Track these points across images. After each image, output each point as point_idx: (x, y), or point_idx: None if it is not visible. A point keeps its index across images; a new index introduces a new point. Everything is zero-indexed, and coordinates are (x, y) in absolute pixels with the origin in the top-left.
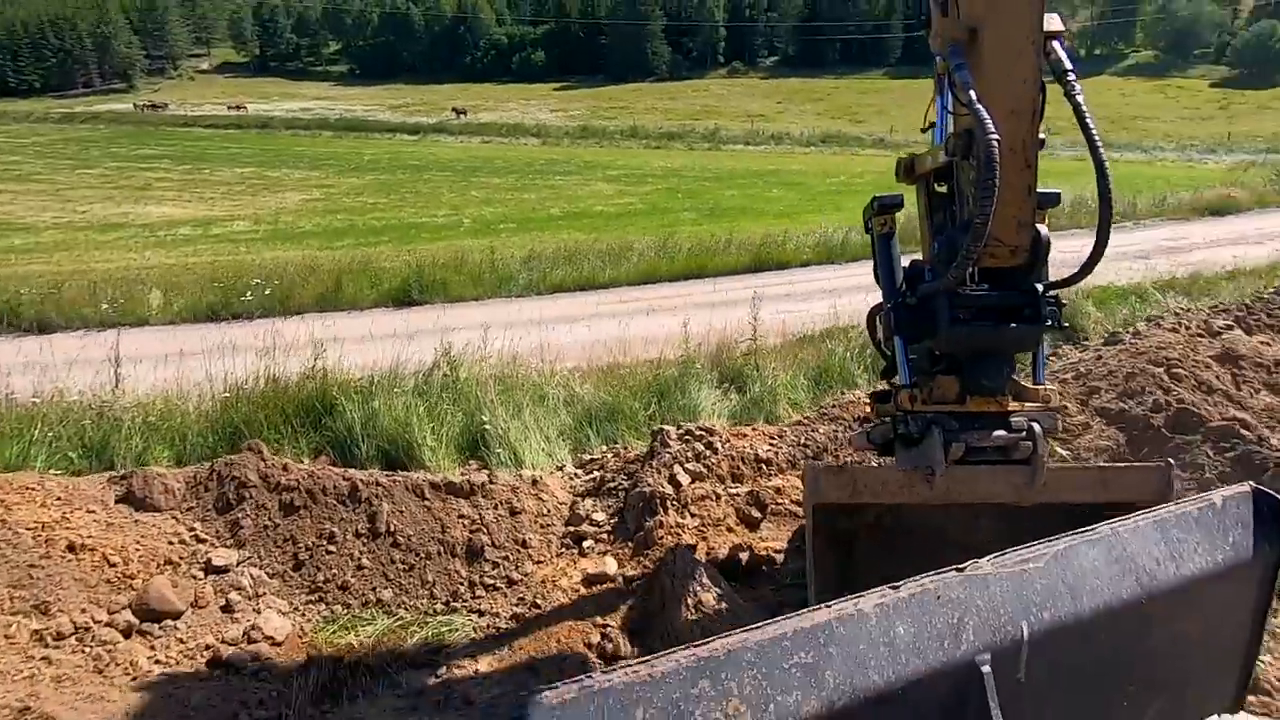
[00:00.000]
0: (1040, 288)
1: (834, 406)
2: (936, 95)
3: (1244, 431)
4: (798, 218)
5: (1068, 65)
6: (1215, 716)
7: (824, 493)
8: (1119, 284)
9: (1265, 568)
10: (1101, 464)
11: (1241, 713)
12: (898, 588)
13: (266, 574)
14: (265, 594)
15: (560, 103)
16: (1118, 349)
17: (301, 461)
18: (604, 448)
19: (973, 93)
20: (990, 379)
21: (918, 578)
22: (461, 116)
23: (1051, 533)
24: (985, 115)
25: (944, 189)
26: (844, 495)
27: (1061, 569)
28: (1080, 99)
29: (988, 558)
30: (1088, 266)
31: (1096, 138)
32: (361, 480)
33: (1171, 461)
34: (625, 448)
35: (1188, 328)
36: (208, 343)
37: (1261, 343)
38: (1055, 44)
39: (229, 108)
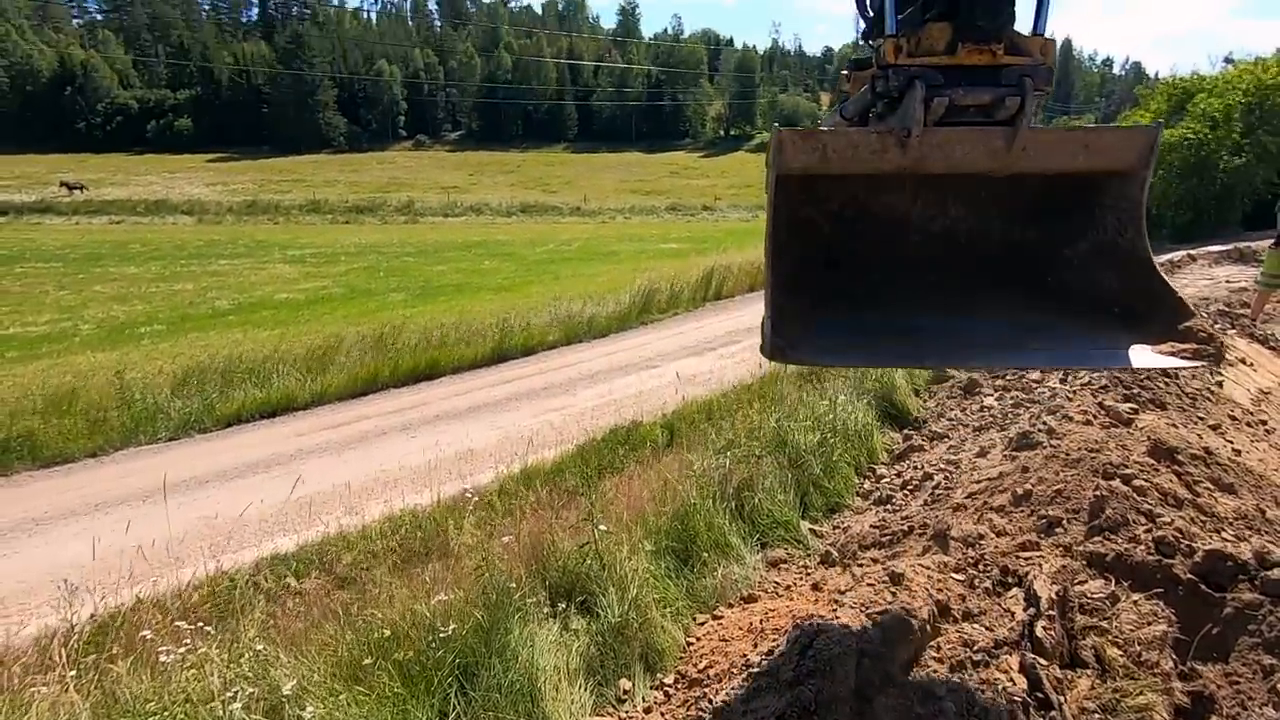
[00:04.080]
0: None
1: (767, 629)
2: None
3: None
4: (520, 290)
5: None
6: None
7: (789, 160)
8: None
9: None
10: (1086, 126)
11: None
12: None
13: None
14: None
15: (218, 175)
16: (1039, 454)
17: None
18: None
19: None
20: (988, 18)
21: None
22: (76, 193)
23: (1024, 220)
24: None
25: None
26: (812, 161)
27: None
28: None
29: None
30: None
31: None
32: None
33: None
34: None
35: (1094, 415)
36: None
37: (1168, 424)
38: None
39: None
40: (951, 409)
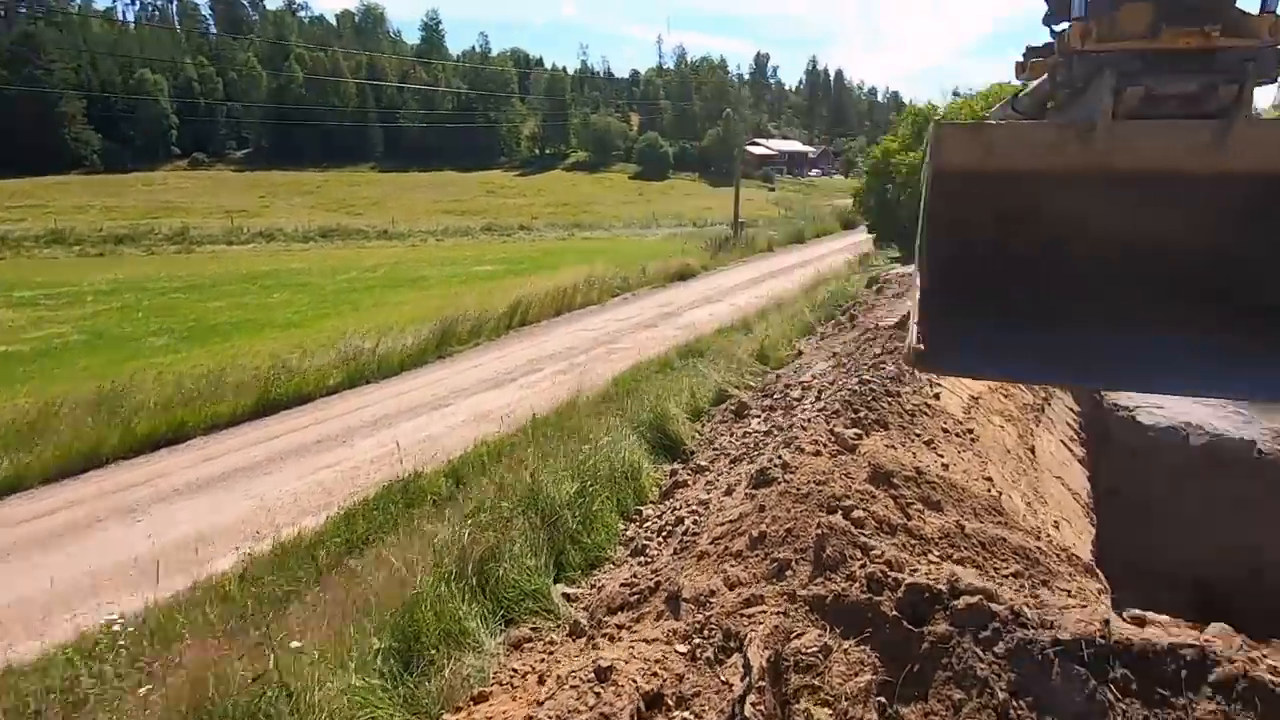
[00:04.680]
0: None
1: None
2: None
3: (993, 605)
4: (311, 326)
5: None
6: None
7: (950, 155)
8: (651, 356)
9: None
10: None
11: None
12: None
13: None
14: None
15: None
16: (774, 490)
17: None
18: None
19: None
20: (1195, 11)
21: None
22: None
23: (1234, 230)
24: None
25: None
26: (973, 159)
27: None
28: None
29: None
30: None
31: None
32: None
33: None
34: None
35: (825, 444)
36: None
37: (888, 445)
38: None
39: None
40: (722, 434)
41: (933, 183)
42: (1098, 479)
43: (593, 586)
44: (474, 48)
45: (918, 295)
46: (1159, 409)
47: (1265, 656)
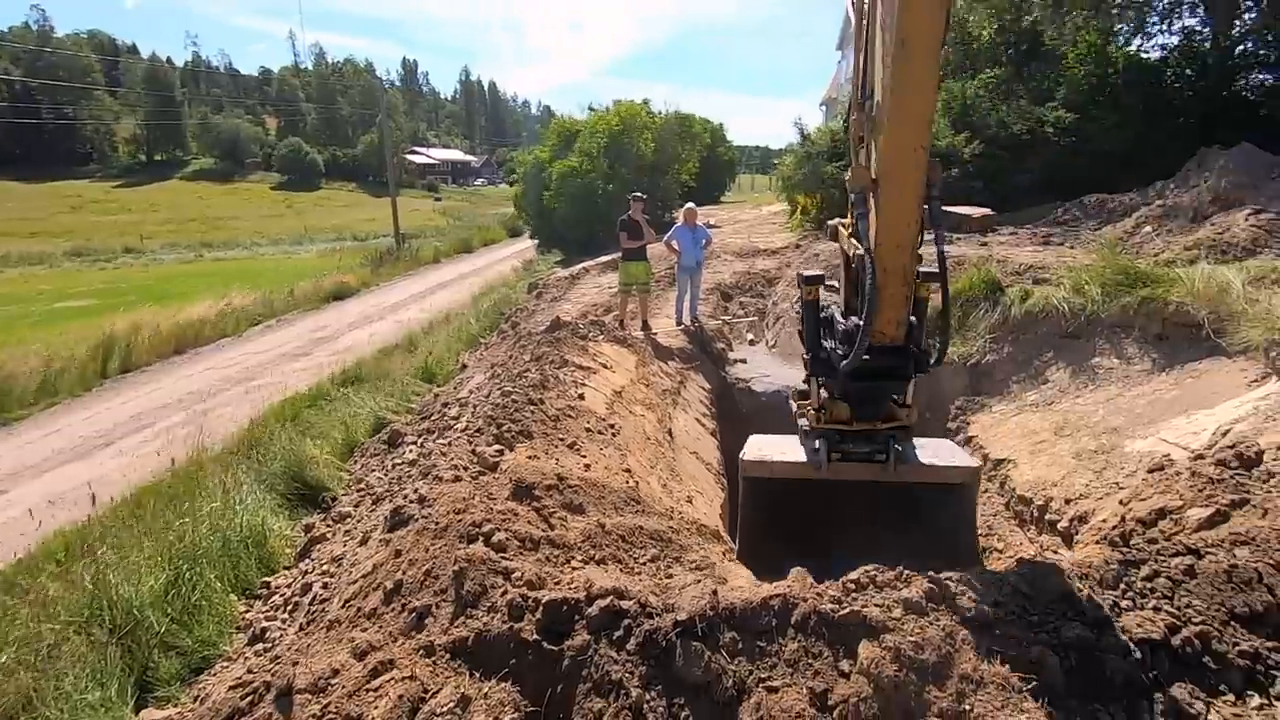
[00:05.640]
0: (914, 350)
1: None
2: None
3: (623, 603)
4: None
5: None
6: None
7: (751, 471)
8: (301, 390)
9: None
10: (934, 464)
11: None
12: None
13: None
14: None
15: None
16: (411, 530)
17: None
18: None
19: (872, 233)
20: (869, 413)
21: None
22: None
23: (900, 499)
24: (874, 252)
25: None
26: (763, 474)
27: None
28: (945, 248)
29: None
30: (939, 360)
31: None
32: None
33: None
34: None
35: (466, 466)
36: None
37: (530, 456)
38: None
39: None
40: (374, 469)
41: (746, 483)
42: (726, 445)
43: (196, 699)
44: (27, 25)
45: (738, 538)
46: (766, 377)
47: (827, 589)
